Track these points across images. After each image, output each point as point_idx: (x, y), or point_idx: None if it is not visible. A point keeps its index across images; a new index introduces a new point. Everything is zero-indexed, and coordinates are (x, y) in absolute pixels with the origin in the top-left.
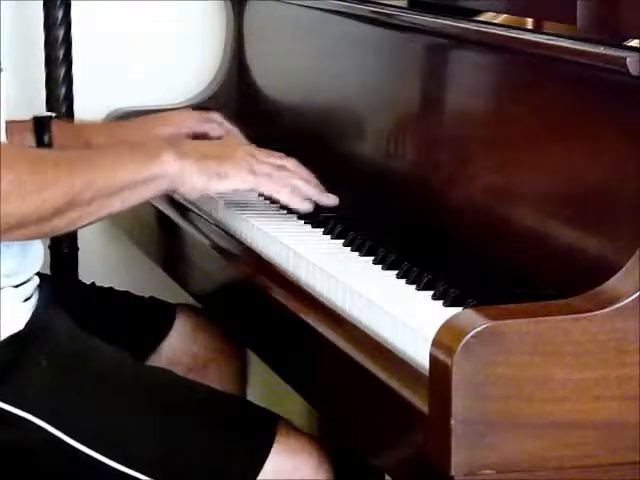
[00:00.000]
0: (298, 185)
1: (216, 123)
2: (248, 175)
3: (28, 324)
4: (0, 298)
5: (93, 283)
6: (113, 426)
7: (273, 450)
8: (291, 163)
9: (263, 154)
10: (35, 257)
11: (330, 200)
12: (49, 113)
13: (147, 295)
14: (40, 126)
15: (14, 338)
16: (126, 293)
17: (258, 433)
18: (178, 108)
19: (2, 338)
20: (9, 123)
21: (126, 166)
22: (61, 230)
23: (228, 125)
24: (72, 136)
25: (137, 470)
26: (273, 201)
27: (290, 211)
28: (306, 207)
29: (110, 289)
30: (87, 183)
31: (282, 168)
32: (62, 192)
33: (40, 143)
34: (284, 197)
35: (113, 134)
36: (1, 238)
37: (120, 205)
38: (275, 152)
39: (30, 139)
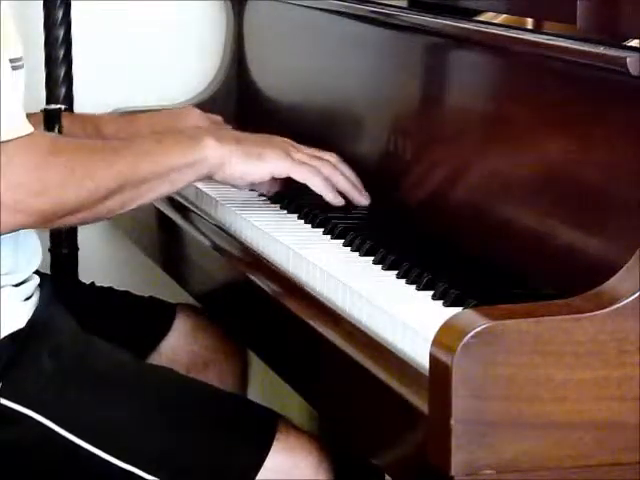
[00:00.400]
0: (334, 177)
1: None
2: (285, 160)
3: (29, 322)
4: (0, 297)
5: (93, 283)
6: (114, 423)
7: (273, 448)
8: (330, 157)
9: (302, 146)
10: (31, 253)
11: (363, 199)
12: (59, 105)
13: (147, 295)
14: (50, 118)
15: (15, 336)
16: (126, 293)
17: (258, 431)
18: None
19: (3, 336)
20: None
21: (170, 151)
22: (115, 212)
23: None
24: (81, 127)
25: (137, 467)
26: (273, 201)
27: (290, 211)
28: (337, 200)
29: (110, 289)
30: (134, 167)
31: (320, 159)
32: (111, 176)
33: None
34: (318, 186)
35: (123, 125)
36: (58, 224)
37: (169, 188)
38: (312, 148)
39: (40, 131)
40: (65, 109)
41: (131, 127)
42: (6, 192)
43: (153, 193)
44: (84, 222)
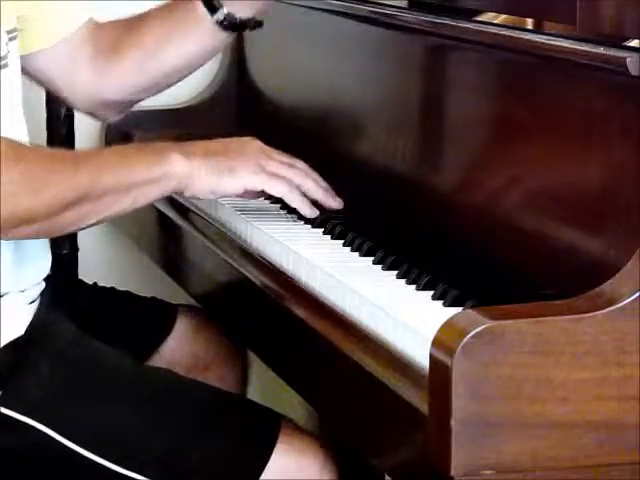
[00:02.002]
0: (307, 185)
1: None
2: (258, 175)
3: (29, 329)
4: (6, 302)
5: (95, 283)
6: (115, 429)
7: (276, 450)
8: (300, 164)
9: (273, 151)
10: (36, 269)
11: (336, 204)
12: None
13: (148, 296)
14: None
15: (15, 343)
16: (127, 293)
17: (261, 433)
18: (178, 109)
19: (3, 344)
20: None
21: (134, 165)
22: (72, 226)
23: None
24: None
25: (139, 472)
26: (273, 201)
27: (290, 211)
28: (312, 212)
29: (112, 289)
30: (95, 180)
31: (292, 166)
32: (69, 187)
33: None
34: (294, 201)
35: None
36: (12, 234)
37: (131, 203)
38: (283, 153)
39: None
40: None
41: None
42: None
43: (114, 208)
44: (41, 234)
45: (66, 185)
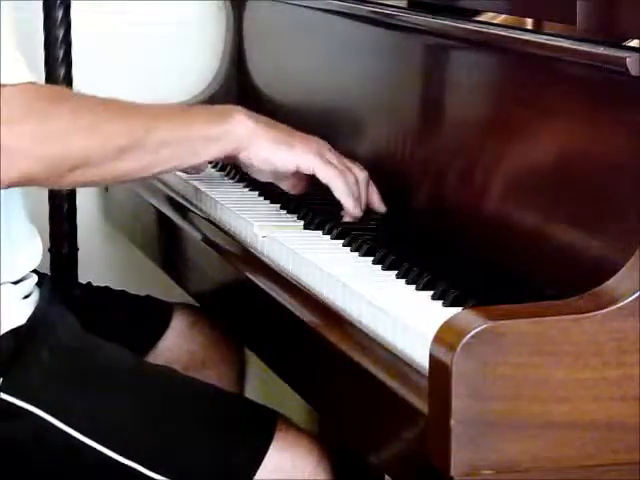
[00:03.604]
0: (363, 186)
1: None
2: (314, 157)
3: (30, 319)
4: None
5: (89, 283)
6: (115, 419)
7: (272, 447)
8: (361, 171)
9: (336, 152)
10: (32, 251)
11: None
12: None
13: (145, 294)
14: None
15: (16, 332)
16: (123, 292)
17: (257, 430)
18: None
19: (3, 332)
20: None
21: (193, 120)
22: (131, 174)
23: None
24: None
25: (137, 462)
26: (273, 201)
27: (290, 211)
28: (356, 211)
29: (107, 288)
30: (149, 128)
31: (349, 169)
32: (121, 131)
33: None
34: (340, 190)
35: None
36: (68, 180)
37: (195, 158)
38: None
39: None
40: None
41: None
42: (9, 137)
43: (176, 161)
44: (99, 182)
45: (118, 129)
